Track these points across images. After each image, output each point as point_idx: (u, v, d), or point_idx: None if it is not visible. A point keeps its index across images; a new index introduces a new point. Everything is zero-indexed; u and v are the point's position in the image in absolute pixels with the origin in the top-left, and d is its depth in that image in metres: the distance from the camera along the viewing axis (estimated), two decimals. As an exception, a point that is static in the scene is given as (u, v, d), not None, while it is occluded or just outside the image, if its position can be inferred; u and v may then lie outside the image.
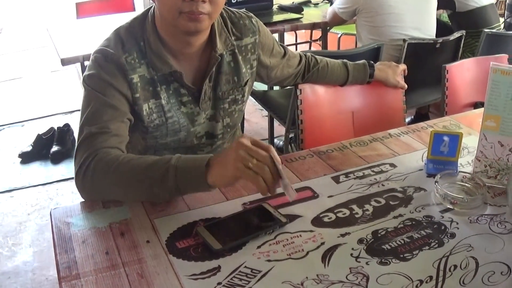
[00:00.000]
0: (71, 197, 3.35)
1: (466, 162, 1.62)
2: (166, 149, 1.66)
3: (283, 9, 3.78)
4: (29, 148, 3.84)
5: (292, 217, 1.32)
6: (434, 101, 3.42)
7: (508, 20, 3.74)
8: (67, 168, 3.67)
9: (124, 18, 3.29)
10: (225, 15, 1.62)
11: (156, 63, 1.51)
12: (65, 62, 2.79)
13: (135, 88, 1.49)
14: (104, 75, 1.46)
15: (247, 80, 1.70)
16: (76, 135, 3.92)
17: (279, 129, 3.79)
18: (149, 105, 1.54)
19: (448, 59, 3.24)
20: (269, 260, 1.18)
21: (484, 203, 1.42)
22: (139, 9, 4.11)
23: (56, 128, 3.94)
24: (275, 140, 3.82)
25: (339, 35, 4.66)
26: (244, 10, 1.69)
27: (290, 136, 3.67)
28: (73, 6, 4.05)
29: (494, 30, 3.45)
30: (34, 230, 3.05)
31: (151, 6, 1.55)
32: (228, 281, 1.10)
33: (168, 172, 1.27)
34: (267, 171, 1.21)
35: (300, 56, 1.94)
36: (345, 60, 2.05)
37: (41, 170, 3.70)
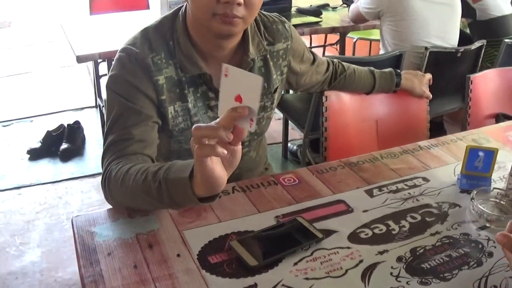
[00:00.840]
0: (80, 196, 3.30)
1: (497, 178, 1.58)
2: (190, 155, 1.60)
3: (301, 12, 3.73)
4: (38, 145, 3.78)
5: (327, 232, 1.27)
6: (452, 110, 3.38)
7: (527, 30, 3.70)
8: (77, 167, 3.62)
9: (138, 16, 3.26)
10: (258, 18, 1.57)
11: (185, 64, 1.45)
12: (80, 59, 2.75)
13: (161, 90, 1.43)
14: (127, 76, 1.40)
15: (277, 87, 1.65)
16: (86, 132, 3.90)
17: (292, 132, 3.76)
18: (175, 108, 1.48)
19: (468, 69, 3.20)
20: (307, 278, 1.13)
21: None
22: (154, 7, 4.05)
23: (66, 125, 3.90)
24: (289, 144, 3.77)
25: (354, 40, 4.61)
26: (276, 14, 1.64)
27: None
28: (86, 2, 4.01)
29: (514, 40, 3.42)
30: (43, 229, 3.00)
31: (182, 5, 1.49)
32: (267, 300, 1.06)
33: (161, 187, 1.17)
34: (215, 130, 0.99)
35: (328, 63, 1.90)
36: (371, 68, 2.01)
37: (49, 167, 3.64)
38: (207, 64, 1.49)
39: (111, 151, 1.37)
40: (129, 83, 1.40)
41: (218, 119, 1.01)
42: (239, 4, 1.32)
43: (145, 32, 1.46)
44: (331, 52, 5.24)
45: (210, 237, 1.24)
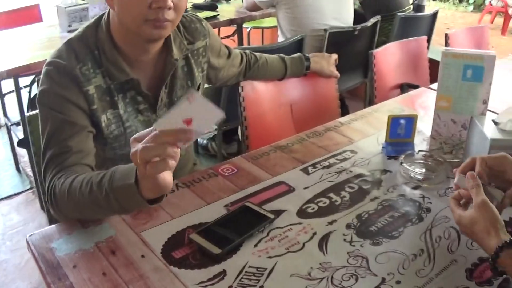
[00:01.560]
0: (1, 220, 3.18)
1: (418, 142, 1.71)
2: (123, 160, 1.62)
3: (197, 7, 3.77)
4: None
5: (277, 213, 1.34)
6: (355, 86, 3.53)
7: (416, 2, 3.92)
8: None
9: (33, 29, 3.19)
10: None
11: (112, 72, 1.47)
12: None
13: (92, 100, 1.44)
14: (57, 89, 1.40)
15: (200, 84, 1.70)
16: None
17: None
18: (107, 116, 1.50)
19: (366, 45, 3.36)
20: (270, 257, 1.19)
21: (447, 177, 1.50)
22: (48, 19, 3.96)
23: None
24: (198, 139, 3.80)
25: (248, 30, 4.71)
26: (192, 13, 1.69)
27: (212, 136, 3.69)
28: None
29: (406, 13, 3.61)
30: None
31: (103, 13, 1.50)
32: (239, 283, 1.11)
33: (108, 197, 1.19)
34: (164, 149, 1.02)
35: (241, 55, 1.97)
36: (281, 55, 2.10)
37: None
38: (133, 69, 1.51)
39: (51, 166, 1.37)
40: (60, 96, 1.40)
41: (158, 131, 1.02)
42: (169, 8, 1.36)
43: (69, 44, 1.46)
44: (231, 44, 5.31)
45: (168, 234, 1.27)
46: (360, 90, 3.91)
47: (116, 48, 1.47)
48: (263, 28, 5.01)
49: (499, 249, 1.03)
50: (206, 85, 1.84)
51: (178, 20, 1.44)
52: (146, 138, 1.03)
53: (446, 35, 3.03)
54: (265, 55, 2.05)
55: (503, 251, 1.03)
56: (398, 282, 1.12)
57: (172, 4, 1.37)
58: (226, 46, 1.88)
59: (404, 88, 2.61)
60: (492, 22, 9.30)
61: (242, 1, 3.82)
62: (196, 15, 1.69)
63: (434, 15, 3.68)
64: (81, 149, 1.40)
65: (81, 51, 1.45)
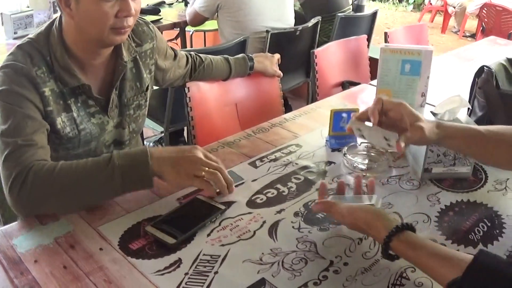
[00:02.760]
0: None
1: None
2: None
3: (141, 12, 3.79)
4: None
5: (227, 204, 1.41)
6: (297, 85, 3.62)
7: (356, 2, 4.04)
8: None
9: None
10: None
11: (64, 77, 1.50)
12: None
13: (47, 102, 1.47)
14: (17, 88, 1.42)
15: (148, 85, 1.75)
16: None
17: (145, 130, 3.83)
18: (62, 119, 1.53)
19: (307, 45, 3.46)
20: (222, 245, 1.25)
21: (389, 166, 1.59)
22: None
23: None
24: (145, 142, 3.83)
25: (191, 33, 4.76)
26: (139, 16, 1.73)
27: (158, 138, 3.72)
28: None
29: (346, 13, 3.72)
30: None
31: (54, 20, 1.54)
32: (194, 270, 1.17)
33: (113, 172, 1.31)
34: (219, 176, 1.40)
35: (187, 56, 2.02)
36: (226, 56, 2.16)
37: None
38: (85, 73, 1.55)
39: (17, 157, 1.36)
40: (19, 94, 1.42)
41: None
42: (132, 15, 1.46)
43: (22, 49, 1.47)
44: (174, 47, 5.35)
45: (125, 228, 1.32)
46: (302, 90, 4.00)
47: (68, 54, 1.51)
48: (205, 31, 5.08)
49: (387, 239, 1.09)
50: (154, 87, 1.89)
51: (133, 25, 1.52)
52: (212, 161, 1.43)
53: (385, 33, 3.15)
54: (210, 56, 2.11)
55: (392, 240, 1.09)
56: (345, 264, 1.20)
57: (134, 11, 1.45)
58: (172, 48, 1.94)
59: (345, 85, 2.70)
60: (432, 21, 9.61)
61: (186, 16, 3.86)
62: (143, 18, 1.74)
63: (374, 15, 3.81)
64: (43, 146, 1.43)
65: (36, 56, 1.47)
